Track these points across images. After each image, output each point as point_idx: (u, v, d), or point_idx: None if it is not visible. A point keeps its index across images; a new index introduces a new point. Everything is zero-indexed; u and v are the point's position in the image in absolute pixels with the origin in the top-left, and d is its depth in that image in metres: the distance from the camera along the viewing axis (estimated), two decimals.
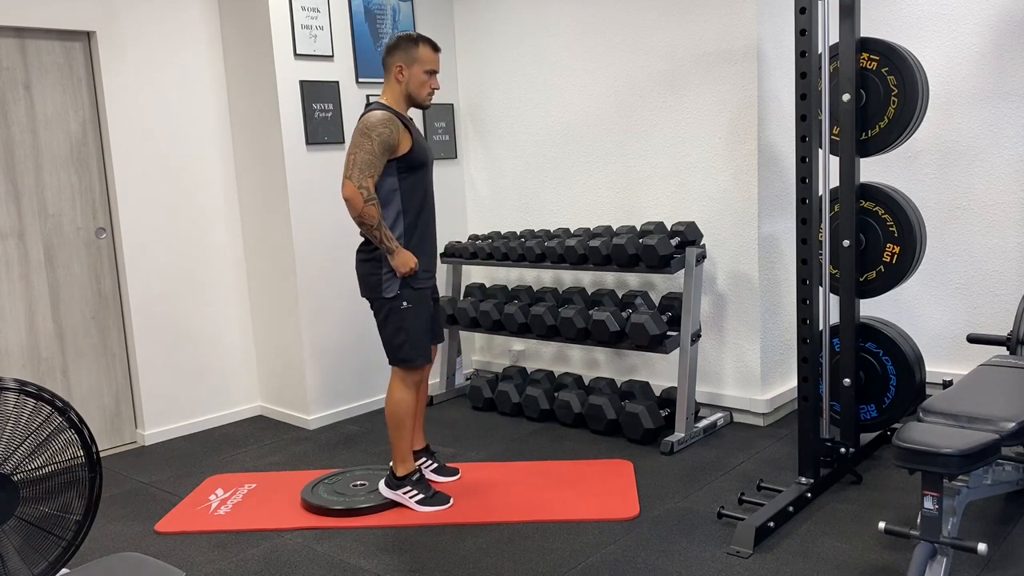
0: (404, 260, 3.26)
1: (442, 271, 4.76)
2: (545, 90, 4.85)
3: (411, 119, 3.38)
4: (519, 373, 4.83)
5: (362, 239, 3.36)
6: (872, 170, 4.14)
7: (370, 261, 3.33)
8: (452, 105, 5.22)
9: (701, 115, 4.22)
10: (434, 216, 3.48)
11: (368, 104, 3.37)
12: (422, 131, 5.06)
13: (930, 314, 4.39)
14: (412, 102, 3.37)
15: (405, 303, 3.32)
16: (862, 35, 3.45)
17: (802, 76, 3.16)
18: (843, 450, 3.43)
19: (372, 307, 3.42)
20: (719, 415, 4.25)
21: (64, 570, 2.55)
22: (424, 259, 3.37)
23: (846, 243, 3.51)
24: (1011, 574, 2.70)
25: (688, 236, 4.08)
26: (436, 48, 3.37)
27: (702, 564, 2.88)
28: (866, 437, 3.75)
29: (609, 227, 4.44)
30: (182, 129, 4.54)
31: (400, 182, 3.30)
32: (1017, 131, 4.05)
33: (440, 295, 5.01)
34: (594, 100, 4.63)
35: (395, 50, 3.33)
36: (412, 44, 3.31)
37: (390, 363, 3.42)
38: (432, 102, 3.47)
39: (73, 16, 4.15)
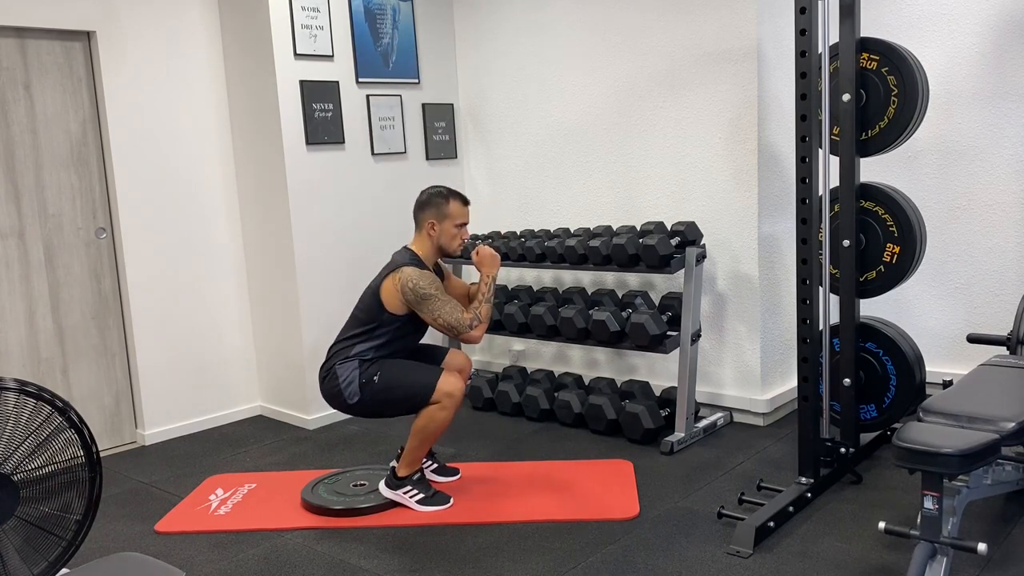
0: (487, 261, 3.47)
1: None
2: (545, 90, 4.85)
3: (440, 266, 3.58)
4: (519, 373, 4.83)
5: (327, 354, 3.45)
6: (872, 170, 4.13)
7: (328, 379, 3.41)
8: (452, 105, 5.22)
9: (701, 115, 4.22)
10: (421, 337, 3.57)
11: (399, 253, 3.47)
12: (423, 132, 5.06)
13: (930, 314, 4.39)
14: (442, 253, 3.49)
15: (375, 377, 3.34)
16: (862, 35, 3.45)
17: (802, 76, 3.16)
18: (843, 450, 3.43)
19: (360, 414, 3.45)
20: (719, 415, 4.25)
21: (64, 570, 2.55)
22: (377, 359, 3.41)
23: (846, 243, 3.50)
24: (1011, 574, 2.70)
25: (688, 236, 4.08)
26: (466, 202, 3.50)
27: (702, 564, 2.88)
28: (866, 437, 3.75)
29: (609, 227, 4.44)
30: (182, 129, 4.54)
31: (399, 326, 3.39)
32: (1017, 131, 4.05)
33: None
34: (594, 100, 4.63)
35: (427, 207, 3.44)
36: (443, 200, 3.43)
37: (420, 409, 3.36)
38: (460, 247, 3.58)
39: (73, 16, 4.15)
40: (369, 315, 3.40)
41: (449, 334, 3.36)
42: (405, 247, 3.49)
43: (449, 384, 3.30)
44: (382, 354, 3.40)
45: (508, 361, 5.26)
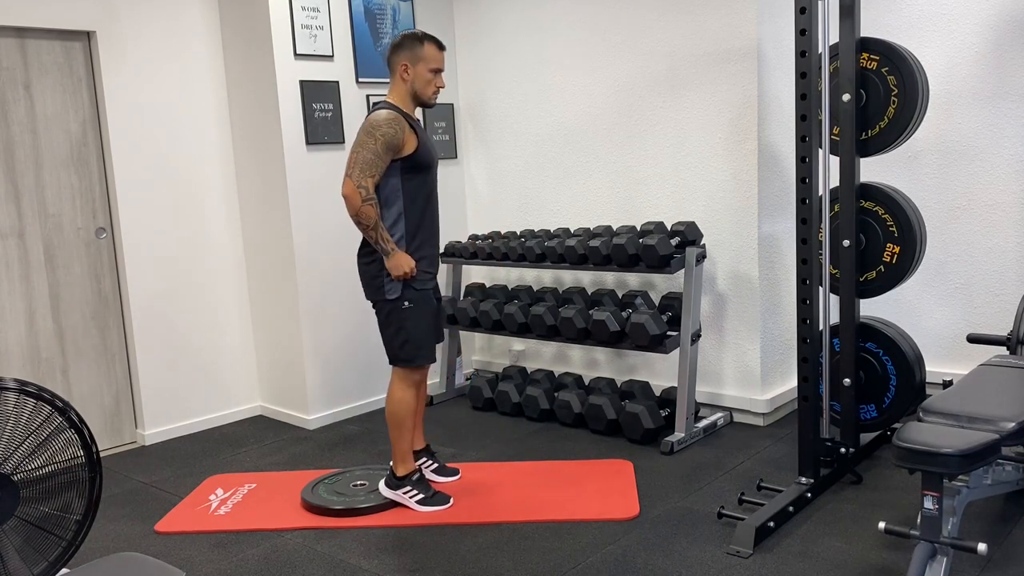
0: (399, 263, 3.25)
1: (442, 271, 4.77)
2: (545, 90, 4.85)
3: (418, 120, 3.38)
4: (519, 373, 4.83)
5: (363, 240, 3.37)
6: (872, 170, 4.13)
7: (372, 263, 3.33)
8: (452, 105, 5.22)
9: (701, 115, 4.22)
10: (438, 218, 3.47)
11: (375, 105, 3.37)
12: None
13: (930, 314, 4.39)
14: (418, 101, 3.36)
15: (407, 303, 3.32)
16: (862, 35, 3.45)
17: (802, 76, 3.16)
18: (843, 450, 3.43)
19: (375, 308, 3.42)
20: (719, 415, 4.25)
21: (64, 570, 2.55)
22: (425, 261, 3.37)
23: (846, 243, 3.50)
24: (1011, 574, 2.70)
25: (688, 236, 4.08)
26: (441, 46, 3.36)
27: (702, 564, 2.88)
28: (866, 437, 3.75)
29: (609, 227, 4.44)
30: (182, 129, 4.54)
31: (403, 183, 3.29)
32: (1017, 131, 4.05)
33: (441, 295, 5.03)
34: (594, 100, 4.63)
35: (400, 49, 3.32)
36: (417, 42, 3.31)
37: (391, 363, 3.42)
38: (438, 101, 3.46)
39: (73, 16, 4.15)
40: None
41: (346, 169, 3.19)
42: (383, 99, 3.35)
43: (425, 371, 3.44)
44: (411, 226, 3.28)
45: (508, 361, 5.26)
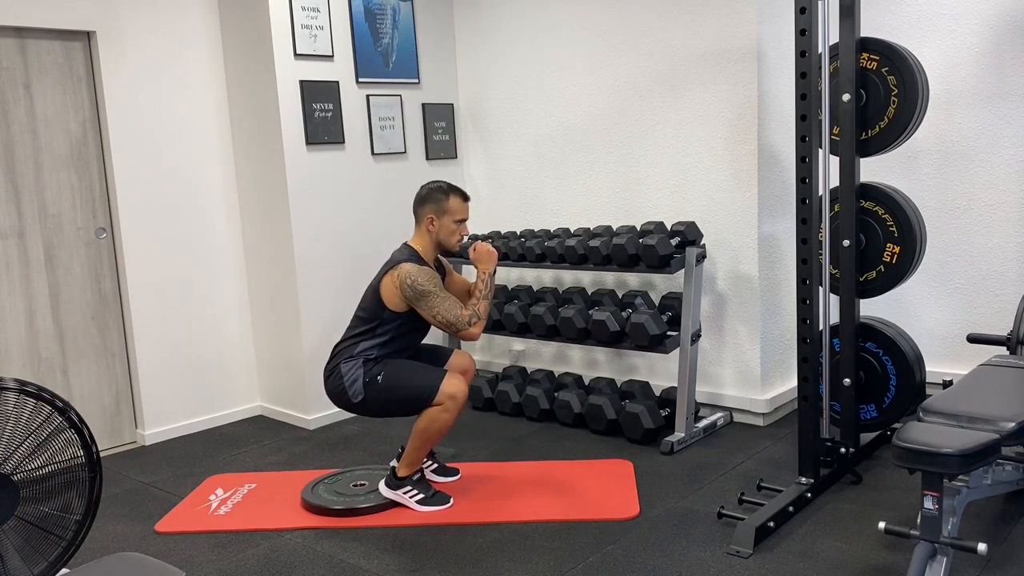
0: (486, 255, 3.44)
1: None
2: (545, 90, 4.85)
3: (440, 262, 3.55)
4: (519, 373, 4.83)
5: (332, 352, 3.44)
6: (872, 170, 4.13)
7: (332, 377, 3.41)
8: (452, 105, 5.22)
9: (701, 115, 4.22)
10: (423, 336, 3.57)
11: (402, 248, 3.46)
12: (423, 131, 5.06)
13: (930, 314, 4.39)
14: (441, 249, 3.48)
15: (379, 377, 3.34)
16: (862, 35, 3.45)
17: (802, 76, 3.16)
18: (843, 450, 3.43)
19: (364, 413, 3.44)
20: (719, 415, 4.25)
21: (64, 570, 2.55)
22: (378, 361, 3.40)
23: (846, 243, 3.50)
24: (1011, 574, 2.70)
25: (688, 236, 4.08)
26: (466, 198, 3.48)
27: (702, 564, 2.88)
28: (866, 437, 3.75)
29: (609, 227, 4.44)
30: (182, 129, 4.54)
31: (400, 325, 3.39)
32: (1017, 131, 4.05)
33: None
34: (594, 100, 4.63)
35: (426, 201, 3.43)
36: (443, 196, 3.42)
37: (421, 412, 3.36)
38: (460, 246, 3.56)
39: (73, 16, 4.15)
40: (370, 313, 3.40)
41: (448, 331, 3.36)
42: (405, 244, 3.49)
43: (452, 386, 3.30)
44: (386, 352, 3.40)
45: (508, 361, 5.26)
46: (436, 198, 3.42)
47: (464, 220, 3.47)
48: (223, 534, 3.34)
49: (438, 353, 3.65)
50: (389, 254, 3.55)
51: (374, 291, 3.40)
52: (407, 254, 3.40)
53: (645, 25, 4.36)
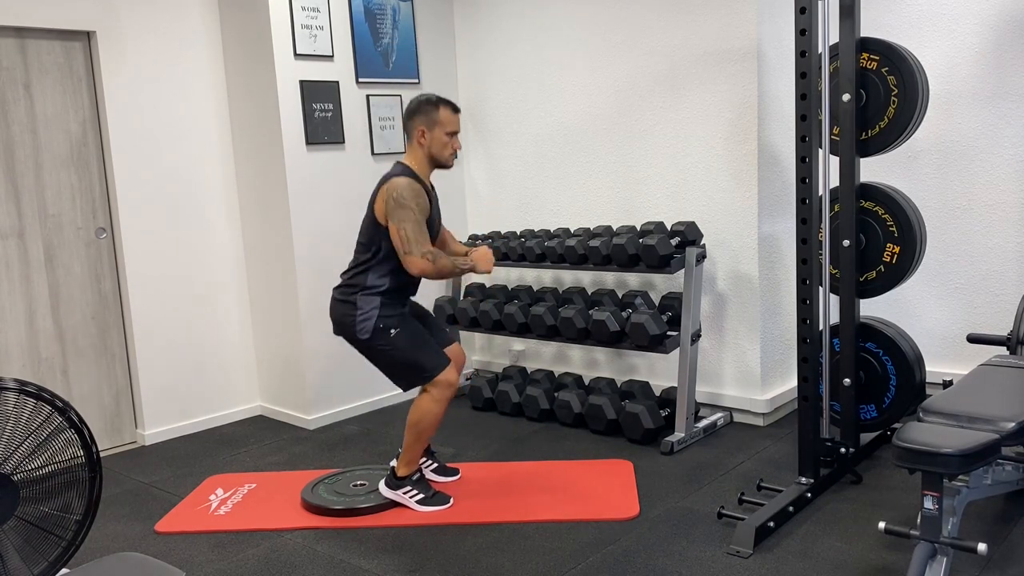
0: (484, 257, 3.38)
1: None
2: (545, 90, 4.85)
3: (432, 186, 3.44)
4: (519, 373, 4.83)
5: (342, 279, 3.39)
6: (872, 170, 4.13)
7: (344, 303, 3.35)
8: None
9: (701, 115, 4.22)
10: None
11: (395, 166, 3.38)
12: None
13: (930, 314, 4.39)
14: (435, 164, 3.41)
15: (392, 330, 3.31)
16: (862, 35, 3.45)
17: (802, 76, 3.16)
18: (843, 450, 3.43)
19: (358, 349, 3.40)
20: (719, 415, 4.25)
21: (64, 570, 2.55)
22: (393, 304, 3.36)
23: (846, 243, 3.50)
24: (1011, 574, 2.70)
25: (688, 236, 4.08)
26: (456, 109, 3.41)
27: (702, 564, 2.88)
28: (866, 437, 3.75)
29: (609, 227, 4.44)
30: (182, 129, 4.54)
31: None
32: (1017, 131, 4.05)
33: (440, 296, 5.03)
34: (594, 100, 4.63)
35: (416, 114, 3.36)
36: (432, 107, 3.34)
37: (408, 389, 3.36)
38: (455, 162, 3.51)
39: (73, 16, 4.15)
40: (369, 237, 3.33)
41: (401, 248, 3.23)
42: (398, 161, 3.41)
43: (451, 376, 3.33)
44: (398, 283, 3.33)
45: (508, 361, 5.26)
46: (426, 110, 3.33)
47: (455, 132, 3.38)
48: (223, 534, 3.34)
49: (443, 335, 3.62)
50: None
51: (369, 211, 3.32)
52: (400, 170, 3.32)
53: (645, 25, 4.36)
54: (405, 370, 3.34)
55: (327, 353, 4.63)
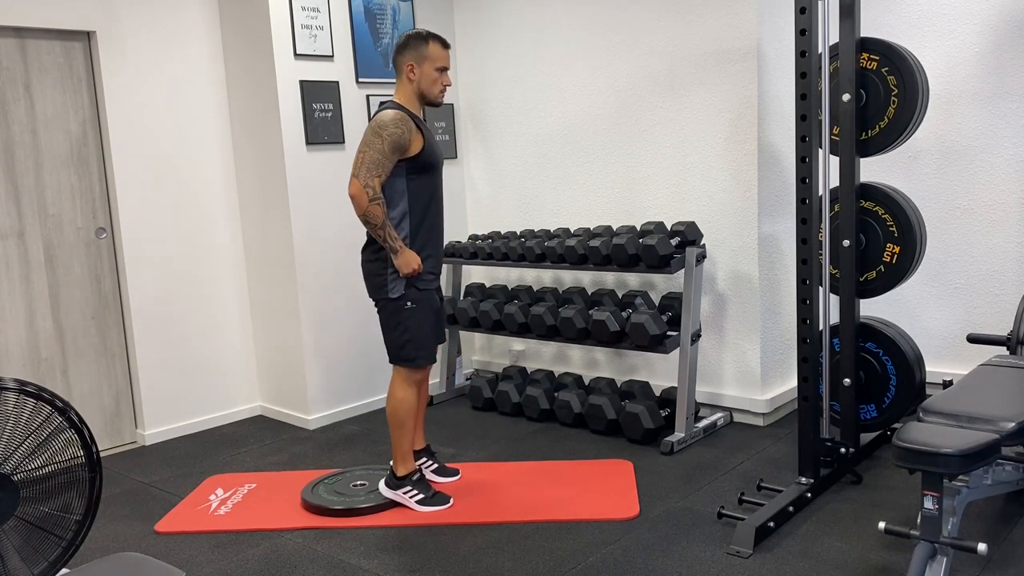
0: (407, 260, 3.26)
1: (442, 271, 4.76)
2: (545, 90, 4.85)
3: (424, 120, 3.38)
4: (519, 373, 4.83)
5: (367, 239, 3.36)
6: (872, 170, 4.13)
7: (376, 261, 3.33)
8: (452, 105, 5.22)
9: (701, 115, 4.22)
10: (442, 218, 3.47)
11: (382, 104, 3.37)
12: None
13: (930, 314, 4.39)
14: (425, 100, 3.37)
15: (409, 303, 3.32)
16: (862, 35, 3.45)
17: (802, 76, 3.16)
18: (843, 450, 3.43)
19: (376, 307, 3.41)
20: (719, 415, 4.25)
21: (64, 570, 2.55)
22: (430, 261, 3.37)
23: (846, 243, 3.50)
24: (1011, 574, 2.70)
25: (688, 236, 4.08)
26: (446, 45, 3.37)
27: (702, 564, 2.88)
28: (866, 437, 3.75)
29: (609, 227, 4.44)
30: (182, 129, 4.54)
31: (408, 183, 3.29)
32: (1017, 131, 4.05)
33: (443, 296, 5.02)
34: (594, 100, 4.63)
35: (405, 49, 3.32)
36: (422, 42, 3.31)
37: (391, 362, 3.42)
38: (444, 100, 3.45)
39: (73, 16, 4.15)
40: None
41: (352, 169, 3.19)
42: (390, 99, 3.38)
43: (425, 371, 3.44)
44: (415, 225, 3.30)
45: (508, 361, 5.26)
46: (415, 45, 3.31)
47: (446, 68, 3.35)
48: (223, 534, 3.34)
49: (442, 332, 3.60)
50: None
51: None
52: (389, 105, 3.30)
53: (645, 25, 4.36)
54: (398, 344, 3.36)
55: (327, 353, 4.63)
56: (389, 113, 3.23)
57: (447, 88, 3.40)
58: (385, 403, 3.50)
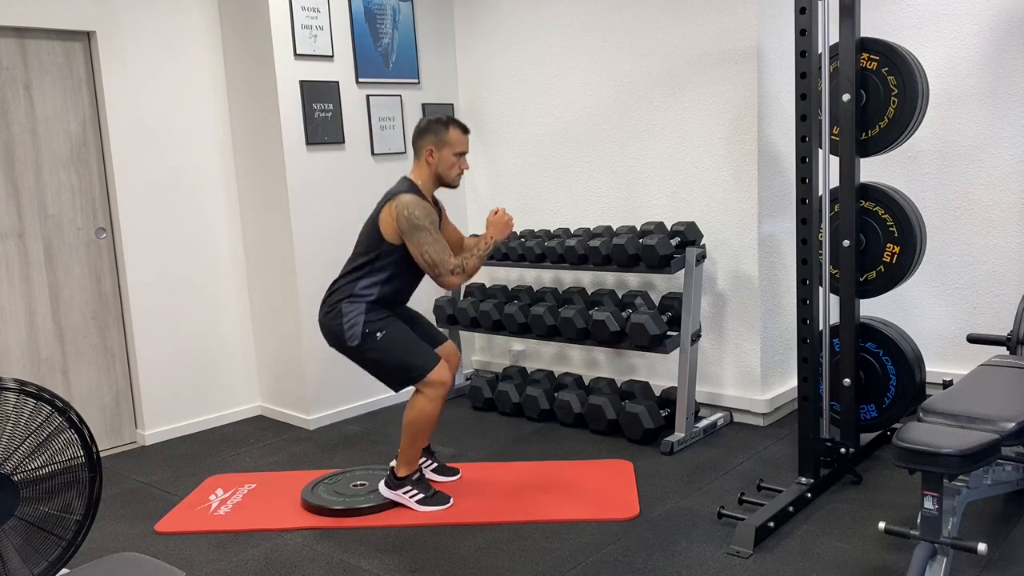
0: (498, 225, 3.43)
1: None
2: (545, 90, 4.85)
3: (437, 200, 3.49)
4: (519, 373, 4.83)
5: (324, 296, 3.42)
6: (872, 170, 4.13)
7: (330, 314, 3.38)
8: (452, 105, 5.22)
9: (701, 115, 4.22)
10: (416, 284, 3.51)
11: (399, 183, 3.40)
12: None
13: (930, 314, 4.39)
14: (441, 182, 3.43)
15: (377, 334, 3.31)
16: (862, 35, 3.45)
17: (802, 76, 3.16)
18: (843, 450, 3.43)
19: (352, 358, 3.41)
20: (719, 415, 4.25)
21: (64, 570, 2.55)
22: (382, 309, 3.37)
23: (846, 243, 3.51)
24: (1011, 574, 2.70)
25: (688, 236, 4.08)
26: (465, 130, 3.43)
27: (702, 564, 2.88)
28: (866, 437, 3.75)
29: (609, 227, 4.44)
30: (182, 129, 4.54)
31: (399, 259, 3.34)
32: (1017, 131, 4.05)
33: (440, 296, 5.02)
34: (594, 100, 4.63)
35: (425, 132, 3.38)
36: (442, 127, 3.37)
37: (402, 389, 3.37)
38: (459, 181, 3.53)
39: (73, 16, 4.15)
40: (368, 247, 3.34)
41: (430, 272, 3.28)
42: (404, 177, 3.42)
43: (442, 373, 3.32)
44: (387, 291, 3.34)
45: (508, 361, 5.26)
46: (435, 129, 3.36)
47: (464, 153, 3.41)
48: (223, 534, 3.34)
49: (433, 335, 3.62)
50: None
51: (372, 224, 3.34)
52: (406, 186, 3.34)
53: (645, 25, 4.36)
54: (396, 371, 3.34)
55: (327, 353, 4.59)
56: (411, 199, 3.26)
57: (464, 170, 3.46)
58: (404, 412, 3.42)
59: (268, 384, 4.88)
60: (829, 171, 3.32)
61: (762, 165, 4.07)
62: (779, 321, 4.30)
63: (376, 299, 3.33)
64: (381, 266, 3.33)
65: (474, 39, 5.16)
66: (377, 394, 4.78)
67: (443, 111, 5.14)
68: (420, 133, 3.39)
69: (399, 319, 3.42)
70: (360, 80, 4.69)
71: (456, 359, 3.67)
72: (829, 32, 3.26)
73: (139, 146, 4.40)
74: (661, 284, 4.48)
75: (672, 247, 4.01)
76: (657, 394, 4.36)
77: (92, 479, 2.57)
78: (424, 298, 4.67)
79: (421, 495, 3.43)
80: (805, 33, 3.13)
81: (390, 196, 3.32)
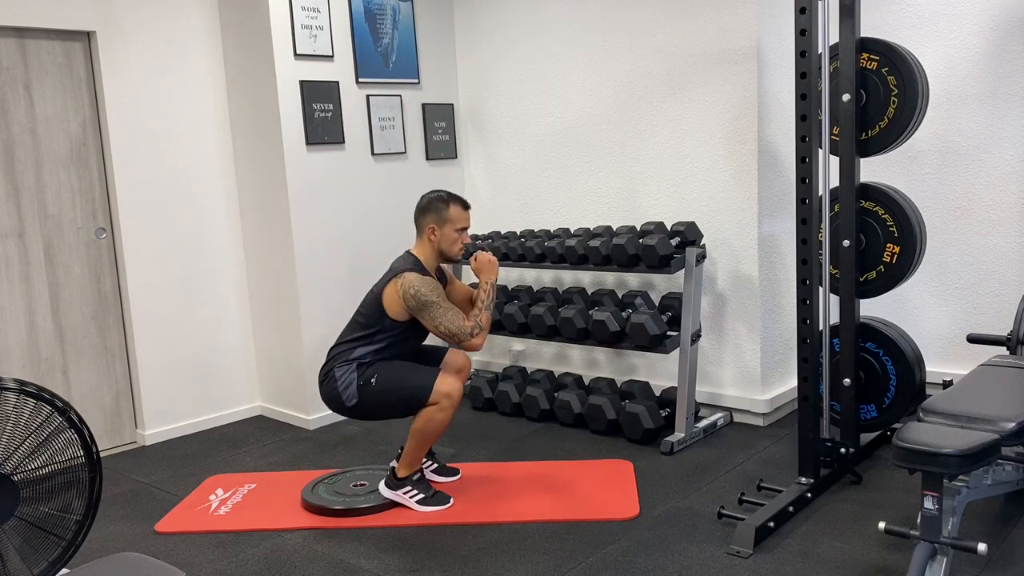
0: (490, 270, 3.48)
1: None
2: (545, 90, 4.85)
3: (442, 269, 3.56)
4: (519, 373, 4.83)
5: (326, 361, 3.45)
6: (872, 170, 4.14)
7: (325, 382, 3.42)
8: (452, 105, 5.22)
9: (701, 115, 4.22)
10: (420, 343, 3.56)
11: (402, 260, 3.45)
12: (423, 132, 5.06)
13: (930, 314, 4.39)
14: (444, 258, 3.48)
15: (372, 380, 3.34)
16: (862, 35, 3.45)
17: (802, 76, 3.16)
18: (843, 450, 3.43)
19: (357, 417, 3.47)
20: (719, 415, 4.25)
21: (64, 570, 2.55)
22: (372, 364, 3.41)
23: (846, 243, 3.50)
24: (1011, 574, 2.70)
25: (688, 236, 4.08)
26: (466, 206, 3.48)
27: (702, 564, 2.88)
28: (866, 437, 3.75)
29: (609, 227, 4.44)
30: (182, 129, 4.54)
31: (399, 334, 3.39)
32: (1017, 131, 4.05)
33: None
34: (594, 100, 4.63)
35: (427, 211, 3.43)
36: (443, 205, 3.42)
37: (415, 412, 3.37)
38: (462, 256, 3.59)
39: (73, 16, 4.15)
40: (370, 320, 3.40)
41: (450, 342, 3.37)
42: (408, 252, 3.49)
43: (446, 385, 3.30)
44: (381, 357, 3.40)
45: (508, 361, 5.26)
46: (436, 208, 3.43)
47: (465, 228, 3.47)
48: (223, 534, 3.34)
49: (434, 352, 3.65)
50: (389, 254, 3.56)
51: (376, 298, 3.40)
52: (410, 263, 3.41)
53: (645, 25, 4.36)
54: (400, 404, 3.37)
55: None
56: (415, 278, 3.31)
57: (466, 244, 3.51)
58: (413, 418, 3.42)
59: (268, 384, 4.88)
60: (829, 171, 3.32)
61: (762, 165, 4.07)
62: (779, 321, 4.30)
63: (370, 362, 3.39)
64: (380, 339, 3.40)
65: (474, 39, 5.16)
66: None
67: (443, 111, 5.14)
68: (422, 211, 3.45)
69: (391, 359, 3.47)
70: (360, 80, 4.69)
71: (465, 363, 3.69)
72: (829, 32, 3.27)
73: (139, 146, 4.40)
74: (661, 284, 4.48)
75: (672, 247, 4.01)
76: (657, 394, 4.36)
77: (92, 479, 2.57)
78: None
79: (421, 495, 3.43)
80: (805, 33, 3.13)
81: (394, 273, 3.37)
